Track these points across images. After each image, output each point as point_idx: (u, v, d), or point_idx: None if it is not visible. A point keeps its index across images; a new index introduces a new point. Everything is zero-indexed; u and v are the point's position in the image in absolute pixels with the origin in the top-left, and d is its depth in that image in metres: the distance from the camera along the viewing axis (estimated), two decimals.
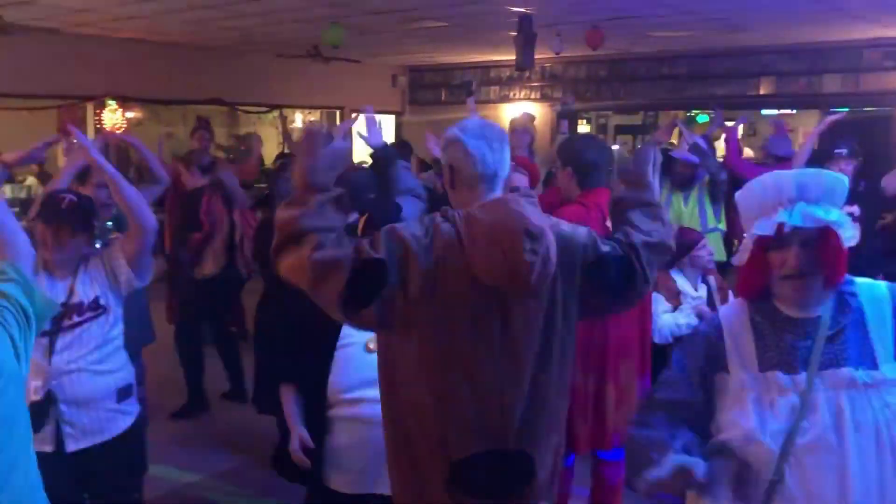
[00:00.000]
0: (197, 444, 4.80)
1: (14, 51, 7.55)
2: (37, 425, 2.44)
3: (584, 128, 15.10)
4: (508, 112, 11.66)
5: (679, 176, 5.41)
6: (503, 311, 2.04)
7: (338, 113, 11.68)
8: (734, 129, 6.35)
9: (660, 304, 3.94)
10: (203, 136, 6.68)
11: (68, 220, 2.87)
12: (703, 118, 15.44)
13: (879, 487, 1.57)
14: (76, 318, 2.85)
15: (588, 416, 3.24)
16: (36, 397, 2.73)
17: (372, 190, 3.17)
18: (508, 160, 2.15)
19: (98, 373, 2.88)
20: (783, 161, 5.79)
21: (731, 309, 1.83)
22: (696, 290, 4.09)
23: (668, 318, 3.95)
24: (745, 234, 1.79)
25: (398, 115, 12.60)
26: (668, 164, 5.47)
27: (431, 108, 12.34)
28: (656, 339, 3.76)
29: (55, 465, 2.57)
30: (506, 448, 2.07)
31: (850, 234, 1.67)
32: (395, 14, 6.91)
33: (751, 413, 1.68)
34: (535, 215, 2.02)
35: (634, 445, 1.80)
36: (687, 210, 5.40)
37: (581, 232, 2.18)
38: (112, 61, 8.47)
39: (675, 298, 4.03)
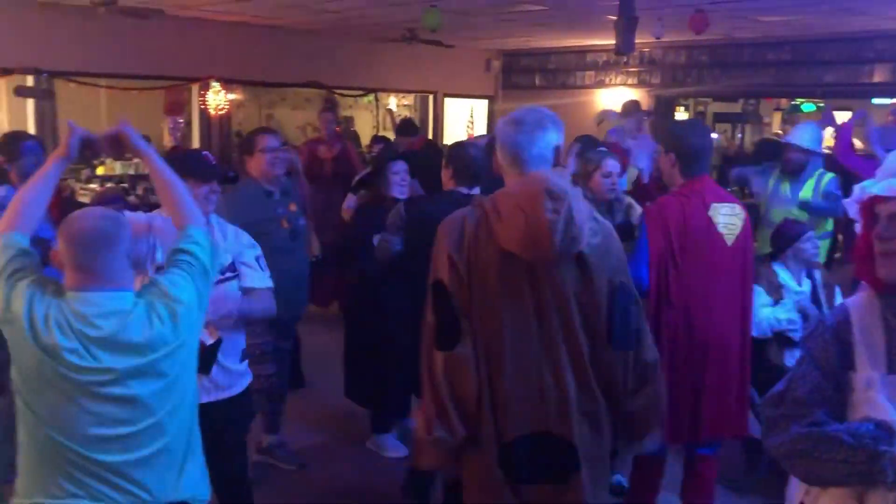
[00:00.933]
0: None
1: (123, 34, 7.88)
2: (205, 368, 2.71)
3: (681, 115, 14.74)
4: (604, 97, 11.45)
5: (790, 163, 5.09)
6: (535, 290, 2.11)
7: (430, 98, 11.72)
8: (847, 125, 6.03)
9: (760, 296, 3.82)
10: (328, 119, 6.91)
11: (216, 174, 3.05)
12: (808, 107, 14.83)
13: None
14: (221, 276, 2.93)
15: (685, 409, 3.18)
16: (211, 340, 2.85)
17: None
18: (540, 143, 2.19)
19: (232, 330, 2.99)
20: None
21: (861, 301, 1.69)
22: (799, 284, 3.94)
23: (768, 312, 3.82)
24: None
25: (491, 99, 12.55)
26: (780, 150, 5.25)
27: (525, 92, 12.22)
28: (754, 333, 3.65)
29: None
30: (548, 431, 2.11)
31: None
32: None
33: (887, 410, 1.57)
34: (559, 180, 2.09)
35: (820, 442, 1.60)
36: (794, 204, 5.07)
37: (618, 248, 2.28)
38: (215, 44, 8.72)
39: (777, 292, 3.90)
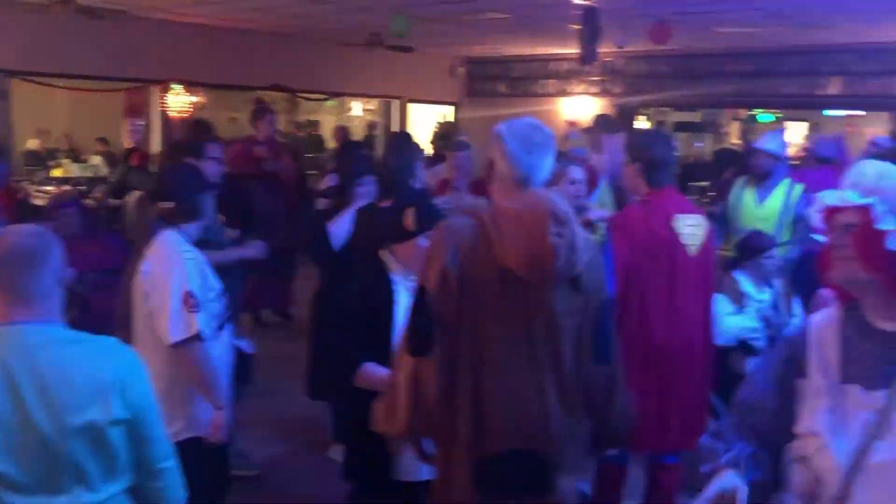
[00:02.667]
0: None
1: (82, 34, 7.74)
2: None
3: (643, 124, 14.91)
4: (566, 106, 11.55)
5: (758, 168, 5.00)
6: (528, 309, 2.10)
7: (395, 103, 11.70)
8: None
9: (724, 305, 3.86)
10: (269, 121, 6.78)
11: None
12: (765, 117, 15.12)
13: None
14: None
15: (650, 418, 3.19)
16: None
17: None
18: (547, 166, 2.21)
19: None
20: (828, 163, 5.60)
21: (823, 316, 1.75)
22: (760, 292, 3.99)
23: (732, 321, 3.87)
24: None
25: (456, 106, 12.57)
26: (738, 159, 5.28)
27: (490, 100, 12.27)
28: (719, 341, 3.68)
29: None
30: (529, 448, 2.12)
31: None
32: (459, 4, 6.88)
33: (824, 424, 1.62)
34: (562, 203, 2.10)
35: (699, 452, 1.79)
36: (761, 210, 4.96)
37: (601, 264, 2.30)
38: (178, 46, 8.61)
39: (739, 300, 3.95)
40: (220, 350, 2.97)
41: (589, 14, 5.94)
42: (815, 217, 1.73)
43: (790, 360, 1.74)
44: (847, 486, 1.56)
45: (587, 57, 6.11)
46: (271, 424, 4.96)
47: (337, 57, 10.17)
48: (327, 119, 13.18)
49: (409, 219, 2.66)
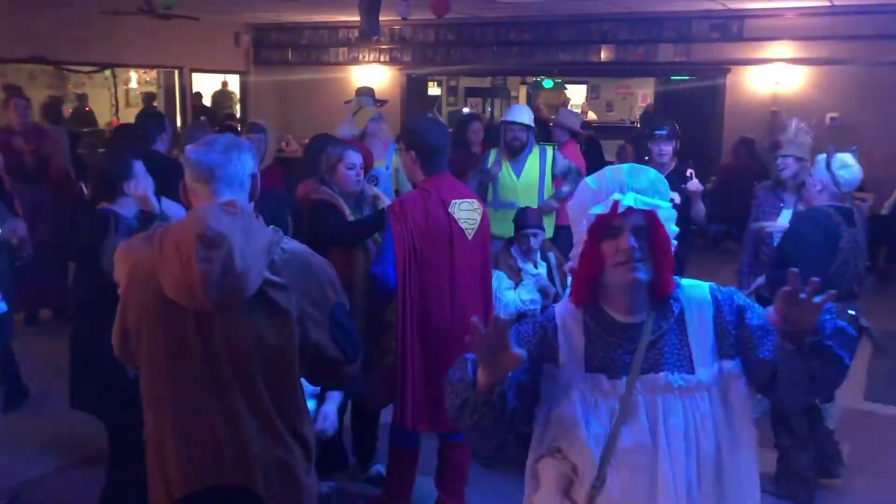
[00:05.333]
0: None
1: None
2: None
3: (434, 90, 15.14)
4: (357, 74, 11.46)
5: (516, 141, 5.06)
6: (202, 338, 1.93)
7: (176, 73, 11.08)
8: None
9: (502, 281, 4.01)
10: (19, 105, 6.13)
11: None
12: (548, 83, 15.85)
13: (687, 491, 1.64)
14: None
15: (430, 398, 3.26)
16: None
17: None
18: (238, 164, 2.01)
19: None
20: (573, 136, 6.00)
21: (568, 306, 1.81)
22: (535, 266, 4.19)
23: (512, 295, 4.03)
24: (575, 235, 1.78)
25: (243, 74, 12.11)
26: (500, 129, 5.32)
27: (278, 67, 11.92)
28: (502, 315, 3.81)
29: None
30: (225, 483, 1.99)
31: (674, 229, 1.72)
32: None
33: (578, 414, 1.71)
34: (221, 220, 1.88)
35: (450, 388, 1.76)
36: (520, 182, 5.09)
37: (320, 268, 2.09)
38: None
39: (517, 275, 4.12)
40: None
41: None
42: (577, 228, 1.75)
43: (540, 342, 1.78)
44: (602, 472, 1.67)
45: (369, 31, 6.06)
46: (37, 440, 4.44)
47: (107, 25, 9.39)
48: (99, 93, 12.23)
49: None
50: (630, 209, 1.66)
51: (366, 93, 5.92)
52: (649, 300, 1.72)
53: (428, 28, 11.02)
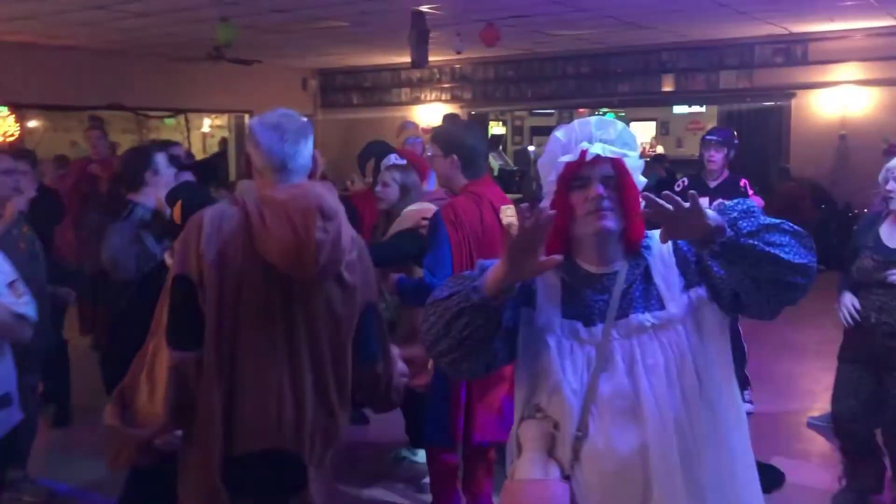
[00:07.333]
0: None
1: None
2: None
3: (499, 129, 15.27)
4: (420, 113, 11.68)
5: None
6: (289, 305, 2.06)
7: (246, 116, 11.49)
8: None
9: None
10: (96, 136, 6.50)
11: None
12: (610, 116, 15.77)
13: (676, 426, 1.60)
14: None
15: (456, 411, 3.21)
16: None
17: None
18: (305, 153, 2.14)
19: None
20: None
21: None
22: None
23: None
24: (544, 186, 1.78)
25: (310, 117, 12.48)
26: None
27: (344, 110, 12.26)
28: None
29: None
30: (281, 448, 2.07)
31: (642, 180, 1.72)
32: (289, 13, 6.83)
33: (556, 362, 1.68)
34: (332, 199, 2.05)
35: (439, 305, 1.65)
36: None
37: (370, 265, 2.23)
38: (3, 67, 8.14)
39: None
40: None
41: (416, 18, 6.02)
42: (547, 179, 1.76)
43: (521, 286, 1.73)
44: (584, 422, 1.64)
45: (419, 60, 6.20)
46: (88, 450, 4.37)
47: (177, 72, 9.87)
48: (174, 137, 12.78)
49: (177, 212, 2.60)
50: (598, 159, 1.66)
51: (408, 123, 6.27)
52: (623, 251, 1.72)
53: (488, 66, 11.18)
